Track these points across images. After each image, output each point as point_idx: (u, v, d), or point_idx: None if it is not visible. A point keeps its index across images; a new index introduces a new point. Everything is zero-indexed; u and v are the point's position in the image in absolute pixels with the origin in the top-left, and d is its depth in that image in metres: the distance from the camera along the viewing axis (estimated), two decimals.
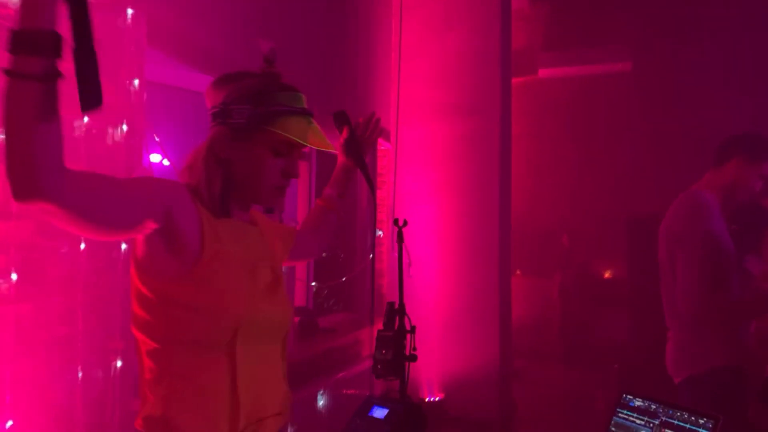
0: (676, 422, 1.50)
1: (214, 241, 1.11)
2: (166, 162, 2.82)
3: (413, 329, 1.88)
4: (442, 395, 4.75)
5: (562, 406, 5.12)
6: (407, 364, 1.90)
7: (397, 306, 1.88)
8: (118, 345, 2.26)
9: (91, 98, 0.84)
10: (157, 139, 2.60)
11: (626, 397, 1.62)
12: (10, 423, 1.91)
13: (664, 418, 1.53)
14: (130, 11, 2.28)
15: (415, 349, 1.91)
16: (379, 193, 5.08)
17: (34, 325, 1.99)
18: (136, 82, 2.32)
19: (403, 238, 1.84)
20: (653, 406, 1.56)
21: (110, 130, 2.22)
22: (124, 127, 2.27)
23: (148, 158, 2.82)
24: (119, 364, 2.28)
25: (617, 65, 7.56)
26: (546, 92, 8.50)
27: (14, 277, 1.92)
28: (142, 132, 2.37)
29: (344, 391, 3.82)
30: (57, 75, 0.82)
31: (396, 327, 1.87)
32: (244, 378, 1.10)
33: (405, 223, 1.81)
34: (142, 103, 2.35)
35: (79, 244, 2.13)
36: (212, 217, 1.14)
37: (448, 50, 5.07)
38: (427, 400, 4.68)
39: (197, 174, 1.14)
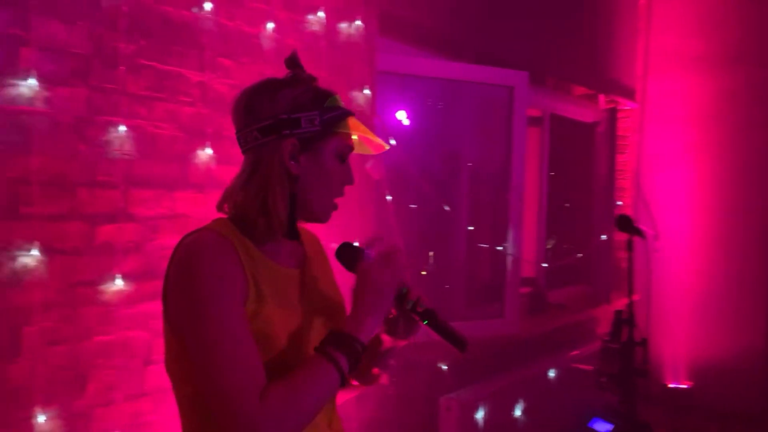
0: None
1: (254, 301, 0.98)
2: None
3: (644, 342, 1.70)
4: (690, 383, 4.31)
5: None
6: (635, 379, 1.75)
7: (625, 315, 1.72)
8: None
9: (459, 345, 1.11)
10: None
11: None
12: None
13: None
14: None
15: (646, 362, 1.74)
16: (621, 158, 4.67)
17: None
18: None
19: (633, 247, 1.67)
20: None
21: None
22: None
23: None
24: None
25: None
26: None
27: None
28: None
29: (577, 369, 3.67)
30: (348, 381, 0.99)
31: (624, 339, 1.72)
32: None
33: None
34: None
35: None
36: (253, 260, 1.00)
37: None
38: (670, 386, 4.29)
39: (257, 201, 1.00)
